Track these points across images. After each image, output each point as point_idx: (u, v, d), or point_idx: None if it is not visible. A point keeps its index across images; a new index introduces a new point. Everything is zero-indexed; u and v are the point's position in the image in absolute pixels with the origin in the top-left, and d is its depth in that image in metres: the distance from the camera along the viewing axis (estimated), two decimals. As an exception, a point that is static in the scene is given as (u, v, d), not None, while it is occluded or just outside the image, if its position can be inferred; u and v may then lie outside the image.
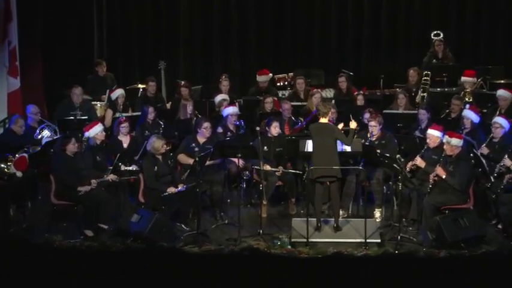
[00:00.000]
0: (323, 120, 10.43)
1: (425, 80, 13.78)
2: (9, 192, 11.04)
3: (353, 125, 10.53)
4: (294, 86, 14.42)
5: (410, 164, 10.63)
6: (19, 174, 11.02)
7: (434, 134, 10.76)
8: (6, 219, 10.96)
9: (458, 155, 10.45)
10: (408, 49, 16.04)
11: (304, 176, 10.99)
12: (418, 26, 16.06)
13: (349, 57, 16.22)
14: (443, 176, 10.35)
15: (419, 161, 10.66)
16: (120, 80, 15.19)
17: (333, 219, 10.55)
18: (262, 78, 14.18)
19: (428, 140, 10.78)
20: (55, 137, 12.05)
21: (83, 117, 12.60)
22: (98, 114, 13.41)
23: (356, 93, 13.47)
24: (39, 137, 12.17)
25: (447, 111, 12.84)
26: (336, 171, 10.27)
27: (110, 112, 13.13)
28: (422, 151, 10.75)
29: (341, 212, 10.87)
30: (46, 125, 12.40)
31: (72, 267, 9.12)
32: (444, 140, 10.48)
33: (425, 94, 13.52)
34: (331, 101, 13.30)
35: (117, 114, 12.79)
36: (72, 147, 10.73)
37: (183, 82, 14.00)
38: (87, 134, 11.17)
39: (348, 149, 10.53)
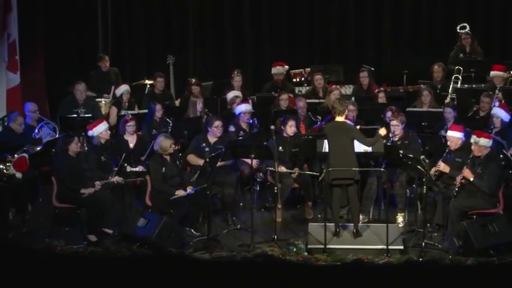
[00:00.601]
0: (339, 118, 10.39)
1: (455, 77, 13.71)
2: (8, 195, 11.07)
3: (382, 131, 10.48)
4: (311, 82, 14.40)
5: (433, 170, 10.57)
6: (19, 175, 11.06)
7: (455, 136, 10.70)
8: (5, 223, 10.99)
9: (487, 156, 10.40)
10: (433, 43, 15.96)
11: (320, 178, 10.97)
12: (443, 18, 15.98)
13: (370, 51, 16.18)
14: (471, 179, 10.30)
15: (442, 166, 10.61)
16: (125, 75, 15.24)
17: (352, 224, 10.52)
18: (278, 70, 14.20)
19: (449, 143, 10.72)
20: (56, 136, 12.06)
21: (87, 115, 12.61)
22: (103, 112, 13.43)
23: (377, 90, 13.42)
24: (38, 136, 12.16)
25: (475, 109, 12.78)
26: (354, 173, 10.24)
27: (114, 109, 13.14)
28: (444, 155, 10.70)
29: (361, 217, 10.84)
30: (45, 123, 12.41)
31: (75, 274, 9.13)
32: (472, 140, 10.42)
33: (455, 95, 13.45)
34: (351, 98, 13.25)
35: (123, 112, 12.79)
36: (74, 146, 10.74)
37: (193, 80, 14.00)
38: (90, 132, 11.18)
39: (369, 149, 10.49)
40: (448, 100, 13.30)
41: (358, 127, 10.79)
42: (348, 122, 10.71)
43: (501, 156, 10.95)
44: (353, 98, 13.12)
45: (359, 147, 10.41)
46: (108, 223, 10.72)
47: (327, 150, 10.64)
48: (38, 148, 11.79)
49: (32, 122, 12.42)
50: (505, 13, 15.95)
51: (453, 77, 13.70)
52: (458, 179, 10.37)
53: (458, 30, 14.75)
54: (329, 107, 12.90)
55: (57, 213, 10.85)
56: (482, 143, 10.36)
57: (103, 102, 13.79)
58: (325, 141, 10.69)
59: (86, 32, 15.91)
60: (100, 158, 11.10)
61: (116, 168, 11.09)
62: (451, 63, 14.29)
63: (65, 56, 15.47)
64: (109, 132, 11.38)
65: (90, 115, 12.59)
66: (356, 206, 10.51)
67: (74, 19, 15.74)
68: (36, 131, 12.22)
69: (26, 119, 12.40)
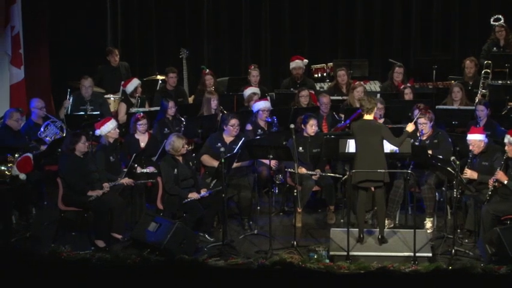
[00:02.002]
0: (367, 117, 10.39)
1: (485, 72, 13.67)
2: (11, 197, 11.11)
3: (410, 127, 10.47)
4: (334, 78, 14.40)
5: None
6: (23, 176, 11.08)
7: (476, 139, 10.68)
8: (8, 227, 11.02)
9: (522, 157, 10.39)
10: (464, 36, 15.91)
11: (342, 179, 11.00)
12: (476, 9, 15.91)
13: (397, 45, 16.12)
14: (505, 181, 10.28)
15: (469, 173, 10.61)
16: (136, 70, 15.26)
17: (377, 229, 10.52)
18: (296, 64, 14.22)
19: (471, 147, 10.70)
20: (63, 135, 12.10)
21: (94, 113, 12.67)
22: (112, 109, 13.49)
23: (403, 86, 13.39)
24: (44, 135, 12.21)
25: (509, 107, 12.74)
26: (383, 175, 10.23)
27: (123, 106, 13.21)
28: (469, 160, 10.69)
29: (387, 222, 10.83)
30: (51, 121, 12.44)
31: (82, 281, 9.20)
32: (506, 141, 10.39)
33: (486, 91, 13.41)
34: (377, 95, 13.25)
35: (133, 110, 12.82)
36: (82, 146, 10.79)
37: (208, 70, 14.05)
38: (98, 131, 11.21)
39: (396, 149, 10.48)
40: (479, 97, 13.26)
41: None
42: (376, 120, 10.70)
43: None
44: (378, 95, 13.13)
45: (385, 147, 10.41)
46: (117, 228, 10.78)
47: (350, 150, 10.65)
48: (43, 148, 11.85)
49: (37, 119, 12.45)
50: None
51: (483, 72, 13.65)
52: (491, 182, 10.35)
53: (492, 23, 14.66)
54: (352, 104, 12.94)
55: (63, 217, 10.92)
56: (517, 143, 10.34)
57: (112, 99, 13.85)
58: (349, 141, 10.70)
59: (94, 24, 15.95)
60: (108, 158, 11.15)
61: (126, 170, 11.15)
62: (483, 57, 14.23)
63: (71, 50, 15.53)
64: (118, 131, 11.41)
65: (98, 113, 12.64)
66: (383, 210, 10.50)
67: (81, 10, 15.80)
68: (42, 129, 12.25)
69: (32, 116, 12.47)
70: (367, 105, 10.35)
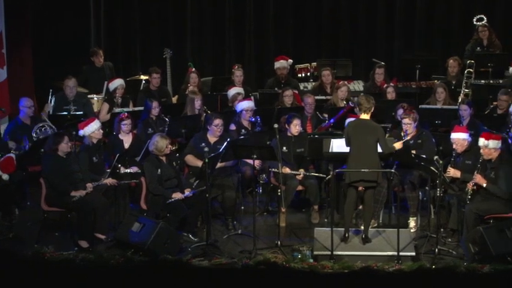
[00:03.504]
0: (364, 116, 10.37)
1: (468, 72, 13.72)
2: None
3: (398, 145, 10.57)
4: (317, 77, 14.42)
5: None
6: (5, 177, 11.09)
7: (460, 138, 10.75)
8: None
9: (499, 159, 10.42)
10: (448, 36, 15.96)
11: (326, 179, 11.02)
12: (459, 8, 15.96)
13: (381, 45, 16.17)
14: (484, 185, 10.34)
15: (453, 172, 10.67)
16: (119, 70, 15.24)
17: (361, 229, 10.54)
18: (281, 64, 14.23)
19: (454, 146, 10.76)
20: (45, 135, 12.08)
21: (78, 113, 12.65)
22: (95, 110, 13.47)
23: (385, 85, 13.43)
24: (42, 136, 12.11)
25: (492, 106, 12.80)
26: (377, 175, 10.24)
27: (106, 105, 13.21)
28: (452, 159, 10.75)
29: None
30: (48, 126, 12.36)
31: (65, 282, 9.17)
32: (480, 144, 10.43)
33: (469, 90, 13.47)
34: (360, 94, 13.26)
35: (117, 110, 12.81)
36: (65, 146, 10.77)
37: (194, 68, 14.06)
38: (82, 132, 11.17)
39: (379, 149, 10.50)
40: (462, 96, 13.32)
41: None
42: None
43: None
44: (361, 94, 13.13)
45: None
46: (101, 228, 10.76)
47: (334, 150, 10.68)
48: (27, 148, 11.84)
49: (25, 118, 12.42)
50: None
51: (466, 72, 13.71)
52: (470, 185, 10.41)
53: (475, 22, 14.72)
54: (336, 104, 12.97)
55: (46, 218, 10.91)
56: (492, 146, 10.37)
57: (95, 99, 13.83)
58: (333, 140, 10.73)
59: (77, 24, 15.90)
60: (92, 158, 11.13)
61: (109, 170, 11.13)
62: (467, 57, 14.29)
63: (55, 50, 15.49)
64: (101, 131, 11.38)
65: (82, 113, 12.63)
66: (370, 210, 10.51)
67: (64, 9, 15.74)
68: (36, 131, 12.18)
69: (20, 115, 12.44)
70: (365, 104, 10.32)
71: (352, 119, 10.98)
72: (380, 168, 10.27)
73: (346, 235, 10.41)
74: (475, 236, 9.99)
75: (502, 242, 9.79)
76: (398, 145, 10.60)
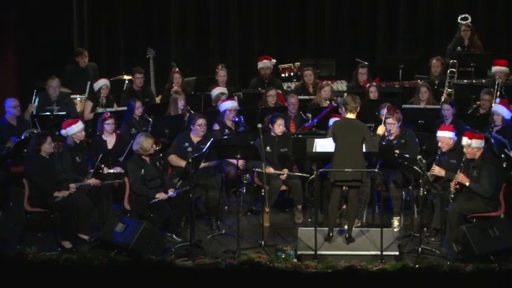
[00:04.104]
0: (350, 115, 10.36)
1: (451, 71, 13.76)
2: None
3: (381, 130, 10.52)
4: (301, 77, 14.42)
5: (428, 174, 10.61)
6: (-13, 178, 11.06)
7: (446, 136, 10.79)
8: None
9: (482, 158, 10.45)
10: (431, 35, 16.01)
11: (310, 179, 11.03)
12: (442, 7, 16.01)
13: (364, 45, 16.19)
14: (467, 183, 10.37)
15: (437, 170, 10.70)
16: (103, 70, 15.18)
17: (345, 228, 10.55)
18: (264, 64, 14.22)
19: (440, 144, 10.80)
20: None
21: (61, 113, 12.60)
22: (78, 109, 13.43)
23: (368, 85, 13.45)
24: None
25: (475, 106, 12.84)
26: (362, 175, 10.24)
27: (89, 103, 13.19)
28: (437, 157, 10.78)
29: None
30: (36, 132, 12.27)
31: (49, 283, 9.15)
32: (463, 143, 10.46)
33: (452, 90, 13.51)
34: (344, 95, 13.29)
35: (100, 110, 12.78)
36: (48, 147, 10.73)
37: (177, 68, 14.04)
38: (64, 131, 11.13)
39: (364, 148, 10.49)
40: (445, 96, 13.36)
41: None
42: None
43: (502, 156, 11.02)
44: (345, 94, 13.16)
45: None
46: (84, 228, 10.73)
47: (317, 150, 10.66)
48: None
49: (11, 118, 12.36)
50: (509, 3, 16.01)
51: (449, 71, 13.74)
52: (453, 184, 10.44)
53: (459, 21, 14.72)
54: (320, 103, 12.98)
55: (29, 218, 10.86)
56: (475, 145, 10.40)
57: (78, 99, 13.79)
58: (316, 140, 10.72)
59: (60, 24, 15.86)
60: (75, 159, 11.09)
61: (92, 170, 11.10)
62: (448, 56, 14.33)
63: (37, 50, 15.43)
64: (84, 133, 11.33)
65: (65, 113, 12.58)
66: (354, 210, 10.51)
67: (47, 9, 15.68)
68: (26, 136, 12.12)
69: (6, 115, 12.38)
70: (351, 103, 10.30)
71: (337, 119, 10.98)
72: (365, 167, 10.28)
73: (331, 234, 10.41)
74: (458, 235, 10.02)
75: (485, 241, 9.82)
76: (381, 129, 10.52)
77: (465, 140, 10.43)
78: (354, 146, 10.17)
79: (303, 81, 14.05)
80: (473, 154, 10.44)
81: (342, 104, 10.88)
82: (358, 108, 10.37)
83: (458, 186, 10.44)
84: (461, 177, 10.39)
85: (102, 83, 13.27)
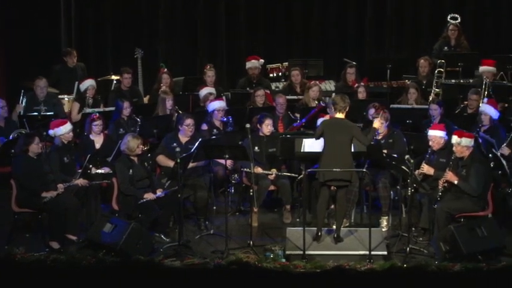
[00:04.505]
0: (339, 115, 10.36)
1: (439, 71, 13.78)
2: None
3: (377, 124, 10.52)
4: (288, 77, 14.43)
5: (417, 172, 10.64)
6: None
7: (437, 135, 10.81)
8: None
9: (471, 157, 10.48)
10: (418, 35, 16.04)
11: (298, 178, 11.03)
12: (429, 8, 16.04)
13: (351, 45, 16.21)
14: (455, 182, 10.39)
15: (426, 169, 10.72)
16: (90, 70, 15.15)
17: (333, 228, 10.55)
18: (252, 64, 14.20)
19: (431, 143, 10.81)
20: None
21: (48, 113, 12.57)
22: (66, 110, 13.40)
23: (356, 85, 13.47)
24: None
25: (462, 105, 12.87)
26: (351, 175, 10.24)
27: (76, 105, 13.15)
28: (427, 156, 10.80)
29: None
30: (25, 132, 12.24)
31: (37, 283, 9.12)
32: (453, 141, 10.49)
33: (439, 90, 13.54)
34: (332, 95, 13.29)
35: (88, 110, 12.75)
36: (35, 147, 10.70)
37: (166, 69, 14.03)
38: (52, 132, 11.11)
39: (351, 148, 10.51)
40: (432, 96, 13.39)
41: None
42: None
43: (490, 155, 11.05)
44: (333, 95, 13.16)
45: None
46: (72, 229, 10.69)
47: (306, 150, 10.68)
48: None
49: None
50: (496, 4, 16.06)
51: (436, 71, 13.77)
52: (441, 182, 10.45)
53: (448, 19, 14.72)
54: (308, 103, 12.99)
55: (17, 219, 10.83)
56: (464, 143, 10.43)
57: (66, 99, 13.76)
58: (304, 140, 10.73)
59: (47, 23, 15.82)
60: (63, 159, 11.06)
61: (80, 170, 11.08)
62: (435, 56, 14.35)
63: (25, 50, 15.39)
64: (72, 134, 11.31)
65: (52, 113, 12.55)
66: (342, 210, 10.51)
67: (35, 8, 15.64)
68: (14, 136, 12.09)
69: None
70: (340, 103, 10.30)
71: (325, 118, 10.99)
72: (353, 167, 10.29)
73: (319, 234, 10.41)
74: (446, 234, 10.04)
75: (473, 241, 9.84)
76: (377, 124, 10.48)
77: (455, 138, 10.45)
78: (342, 145, 10.17)
79: (290, 81, 14.06)
80: (462, 152, 10.46)
81: (331, 104, 10.88)
82: (348, 108, 10.37)
83: (446, 185, 10.46)
84: (450, 175, 10.41)
85: (88, 83, 13.24)
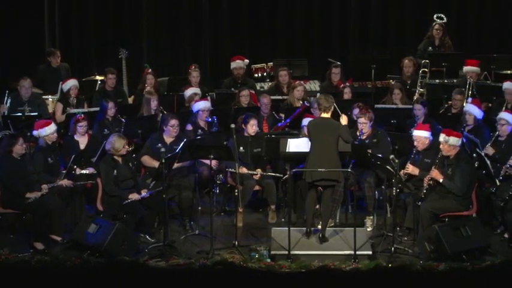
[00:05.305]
0: (325, 115, 10.34)
1: (423, 71, 13.81)
2: None
3: (344, 120, 10.48)
4: (274, 77, 14.43)
5: (402, 172, 10.66)
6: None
7: (421, 135, 10.82)
8: None
9: (457, 156, 10.50)
10: (402, 35, 16.07)
11: (283, 178, 11.04)
12: (413, 8, 16.09)
13: (336, 44, 16.24)
14: (441, 180, 10.40)
15: (411, 169, 10.73)
16: (75, 71, 15.12)
17: (319, 228, 10.55)
18: (237, 64, 14.21)
19: (415, 143, 10.83)
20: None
21: (32, 114, 12.53)
22: (50, 110, 13.36)
23: (342, 85, 13.49)
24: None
25: (446, 105, 12.90)
26: (338, 175, 10.24)
27: (59, 106, 13.12)
28: (412, 156, 10.82)
29: (327, 221, 10.89)
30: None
31: (21, 284, 9.08)
32: (441, 139, 10.50)
33: (424, 90, 13.57)
34: (316, 95, 13.31)
35: (72, 110, 12.71)
36: (19, 148, 10.65)
37: (150, 69, 14.01)
38: (36, 132, 11.07)
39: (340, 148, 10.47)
40: (416, 96, 13.43)
41: None
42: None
43: (474, 155, 11.08)
44: (318, 94, 13.18)
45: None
46: (56, 229, 10.66)
47: (291, 150, 10.67)
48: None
49: None
50: (480, 4, 16.12)
51: (420, 71, 13.82)
52: (426, 180, 10.46)
53: (434, 18, 14.74)
54: (293, 103, 13.00)
55: (1, 220, 10.80)
56: (452, 142, 10.44)
57: (50, 99, 13.71)
58: (289, 140, 10.73)
59: (31, 23, 15.78)
60: (47, 159, 11.03)
61: (65, 171, 11.04)
62: (419, 56, 14.41)
63: (9, 50, 15.34)
64: (56, 135, 11.27)
65: (36, 113, 12.51)
66: (328, 210, 10.50)
67: (18, 9, 15.59)
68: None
69: None
70: (324, 103, 10.29)
71: (310, 119, 10.99)
72: (340, 167, 10.29)
73: (309, 230, 10.41)
74: (431, 234, 10.06)
75: (457, 240, 9.87)
76: (344, 120, 10.45)
77: (442, 137, 10.46)
78: (328, 145, 10.17)
79: (277, 82, 14.05)
80: (449, 151, 10.47)
81: (313, 104, 10.88)
82: (332, 108, 10.37)
83: (431, 182, 10.47)
84: (435, 173, 10.42)
85: (70, 83, 13.21)
